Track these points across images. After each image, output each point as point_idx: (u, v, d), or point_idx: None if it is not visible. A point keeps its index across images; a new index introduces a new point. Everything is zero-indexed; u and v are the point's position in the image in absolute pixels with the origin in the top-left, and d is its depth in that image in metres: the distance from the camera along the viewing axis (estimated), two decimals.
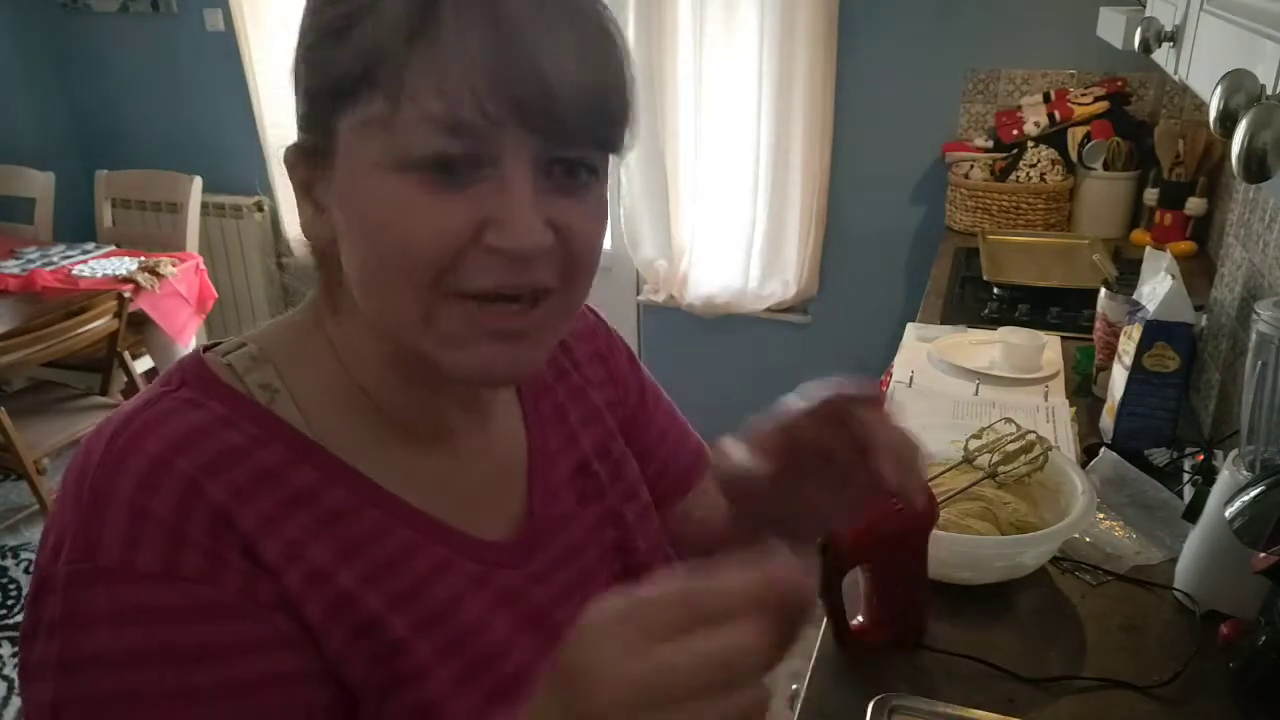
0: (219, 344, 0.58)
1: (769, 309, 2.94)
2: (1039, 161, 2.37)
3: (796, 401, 0.62)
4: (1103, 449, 1.30)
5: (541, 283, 0.51)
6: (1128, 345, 1.31)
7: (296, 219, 0.56)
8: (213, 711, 0.48)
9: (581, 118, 0.49)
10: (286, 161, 0.55)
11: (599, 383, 0.75)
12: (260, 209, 3.40)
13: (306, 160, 0.54)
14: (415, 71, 0.47)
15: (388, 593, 0.54)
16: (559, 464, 0.68)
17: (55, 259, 2.90)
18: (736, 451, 0.63)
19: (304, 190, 0.55)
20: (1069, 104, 2.38)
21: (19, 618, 2.45)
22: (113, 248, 3.02)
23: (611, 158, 0.55)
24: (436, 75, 0.47)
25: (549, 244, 0.50)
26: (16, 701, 2.20)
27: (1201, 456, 1.23)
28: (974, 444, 1.13)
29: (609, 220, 0.53)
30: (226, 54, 3.17)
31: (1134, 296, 1.36)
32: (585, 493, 0.68)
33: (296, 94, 0.53)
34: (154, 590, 0.47)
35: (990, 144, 2.50)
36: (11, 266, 2.83)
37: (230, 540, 0.49)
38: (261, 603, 0.50)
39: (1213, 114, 0.62)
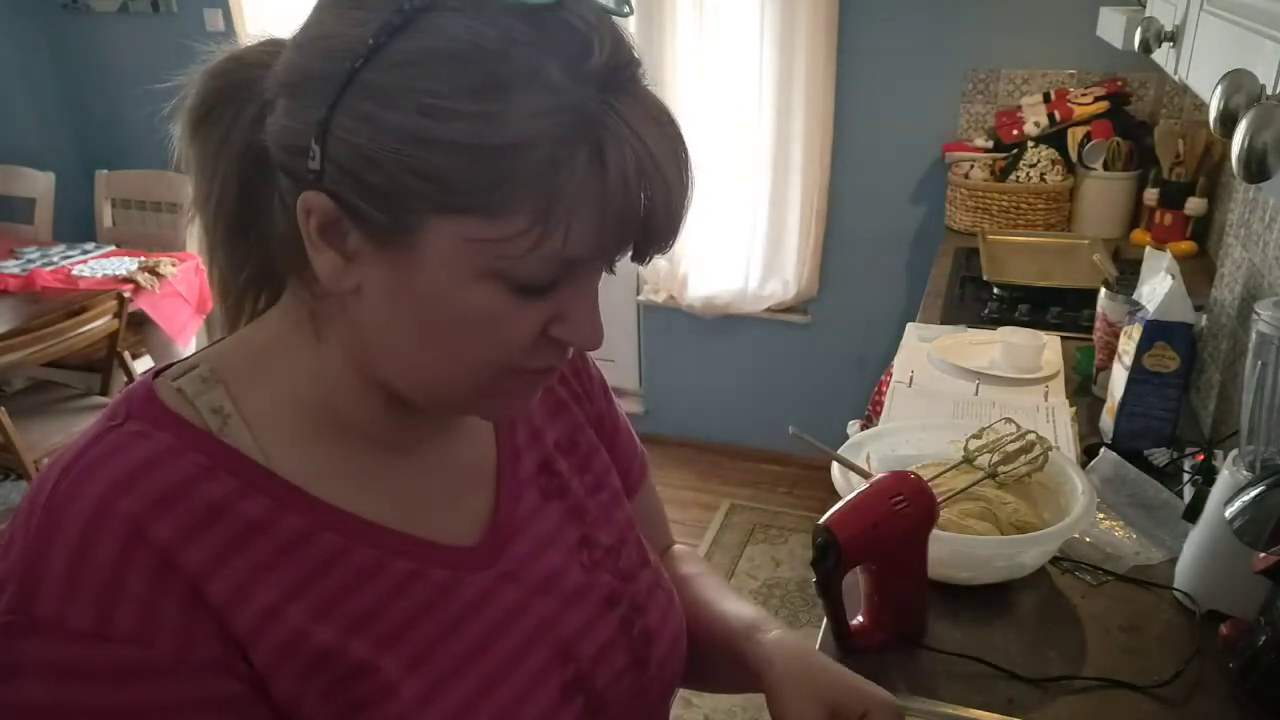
0: (171, 366, 0.57)
1: (769, 309, 2.94)
2: (1039, 161, 2.37)
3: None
4: (1103, 449, 1.30)
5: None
6: (1128, 345, 1.31)
7: None
8: None
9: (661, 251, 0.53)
10: (314, 209, 0.49)
11: (566, 376, 0.75)
12: None
13: (357, 225, 0.49)
14: (549, 211, 0.47)
15: (345, 619, 0.54)
16: (524, 460, 0.69)
17: (55, 259, 2.90)
18: None
19: (327, 238, 0.50)
20: (1069, 104, 2.38)
21: None
22: (113, 248, 3.02)
23: None
24: (566, 218, 0.47)
25: None
26: None
27: (1201, 456, 1.23)
28: (974, 444, 1.13)
29: None
30: None
31: (1134, 296, 1.36)
32: (548, 489, 0.69)
33: (355, 158, 0.47)
34: (84, 649, 0.47)
35: (990, 144, 2.50)
36: (11, 266, 2.83)
37: (173, 587, 0.49)
38: (197, 660, 0.49)
39: (1213, 114, 0.62)
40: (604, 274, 0.56)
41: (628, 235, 0.50)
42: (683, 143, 0.51)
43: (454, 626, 0.58)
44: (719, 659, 0.73)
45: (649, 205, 0.49)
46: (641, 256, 0.53)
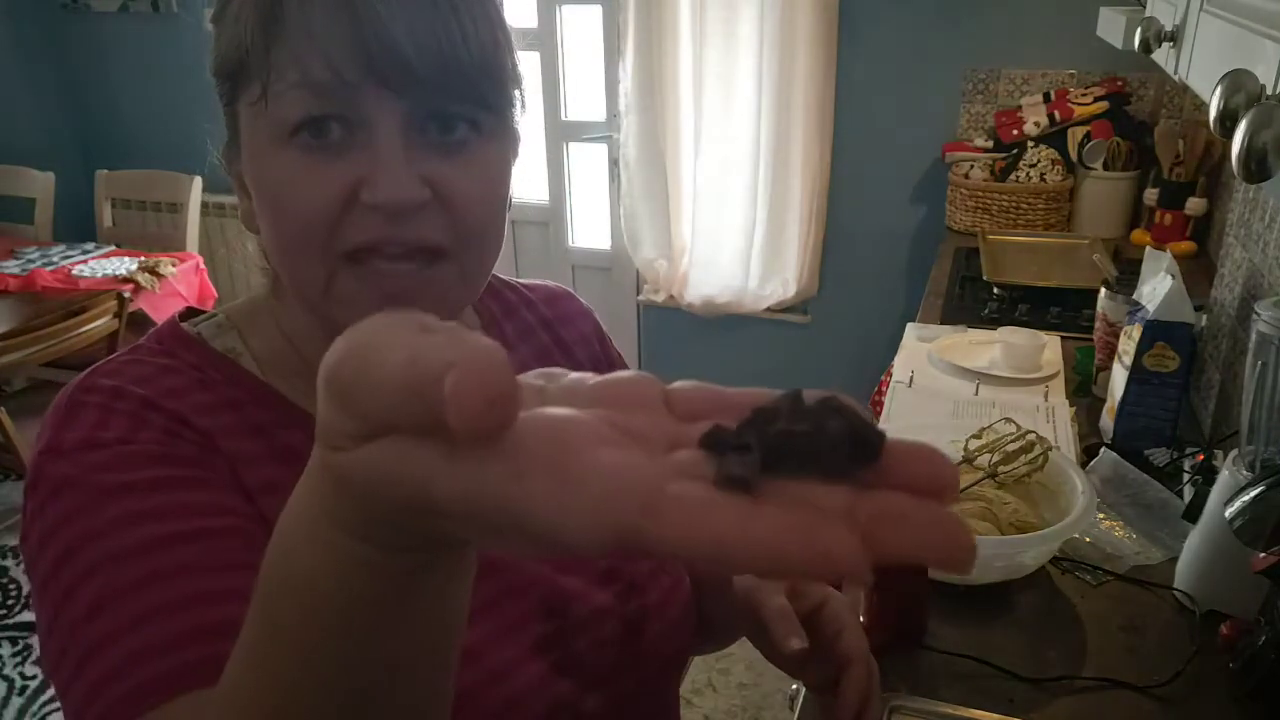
0: (192, 314, 0.63)
1: (769, 309, 2.94)
2: (1039, 161, 2.37)
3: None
4: (1103, 449, 1.30)
5: (428, 240, 0.53)
6: (1128, 345, 1.31)
7: None
8: (174, 528, 0.51)
9: (439, 73, 0.50)
10: (221, 158, 0.59)
11: (587, 364, 0.76)
12: None
13: (228, 150, 0.58)
14: (276, 49, 0.50)
15: None
16: None
17: (55, 259, 2.90)
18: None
19: (239, 182, 0.58)
20: (1069, 104, 2.38)
21: (20, 617, 2.45)
22: (113, 248, 3.02)
23: (515, 115, 0.57)
24: (292, 48, 0.50)
25: (424, 198, 0.52)
26: (17, 701, 2.20)
27: (1201, 456, 1.23)
28: (974, 444, 1.13)
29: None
30: None
31: (1134, 296, 1.36)
32: None
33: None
34: (115, 449, 0.52)
35: (990, 144, 2.50)
36: (11, 266, 2.83)
37: (187, 434, 0.55)
38: (209, 464, 0.55)
39: (1213, 114, 0.62)
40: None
41: (356, 53, 0.49)
42: None
43: None
44: (709, 596, 0.75)
45: (364, 17, 0.49)
46: (429, 93, 0.51)
